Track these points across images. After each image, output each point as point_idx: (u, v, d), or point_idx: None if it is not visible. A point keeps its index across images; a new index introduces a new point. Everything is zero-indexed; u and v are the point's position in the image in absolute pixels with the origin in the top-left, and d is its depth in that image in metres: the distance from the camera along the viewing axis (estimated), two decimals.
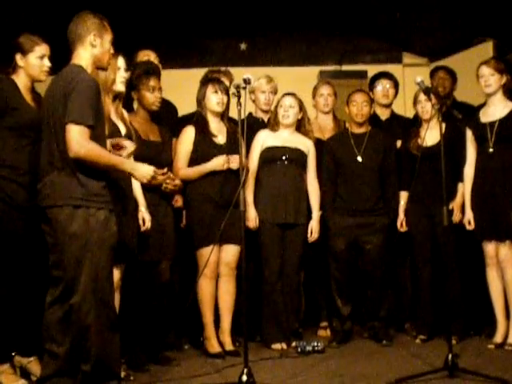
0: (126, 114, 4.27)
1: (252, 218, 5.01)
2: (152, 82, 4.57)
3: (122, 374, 3.94)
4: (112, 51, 3.71)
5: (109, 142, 3.78)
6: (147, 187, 4.22)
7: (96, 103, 3.46)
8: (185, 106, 5.44)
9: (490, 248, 4.81)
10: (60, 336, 3.45)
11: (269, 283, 5.01)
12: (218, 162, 4.77)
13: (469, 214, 4.88)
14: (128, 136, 4.07)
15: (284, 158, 5.06)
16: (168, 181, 4.37)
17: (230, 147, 4.79)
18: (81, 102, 3.38)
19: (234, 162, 4.70)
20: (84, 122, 3.38)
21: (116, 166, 3.57)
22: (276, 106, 5.20)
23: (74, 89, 3.39)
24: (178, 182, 4.63)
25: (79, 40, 3.57)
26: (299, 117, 5.16)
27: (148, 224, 4.25)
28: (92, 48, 3.59)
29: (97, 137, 3.47)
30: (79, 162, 3.40)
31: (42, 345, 3.52)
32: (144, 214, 4.26)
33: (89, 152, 3.38)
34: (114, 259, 3.57)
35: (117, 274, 3.87)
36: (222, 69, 5.48)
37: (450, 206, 4.90)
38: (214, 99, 4.86)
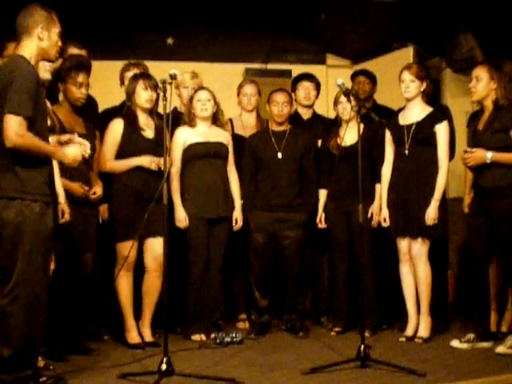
0: (48, 104, 4.20)
1: (181, 219, 5.01)
2: (80, 78, 4.55)
3: (42, 364, 3.95)
4: (60, 44, 3.70)
5: (56, 137, 3.82)
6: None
7: (35, 95, 3.46)
8: (109, 97, 5.42)
9: (403, 245, 4.97)
10: None
11: (194, 278, 5.03)
12: (145, 160, 4.77)
13: (384, 212, 5.03)
14: (51, 128, 4.03)
15: (210, 153, 5.09)
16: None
17: (158, 142, 4.72)
18: (20, 93, 3.38)
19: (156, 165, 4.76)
20: (22, 113, 3.38)
21: (50, 156, 3.60)
22: (190, 102, 5.20)
23: (13, 80, 3.40)
24: (98, 191, 4.68)
25: (26, 32, 3.56)
26: (214, 109, 5.21)
27: (67, 216, 4.22)
28: (39, 41, 3.57)
29: (38, 129, 3.48)
30: (18, 154, 3.41)
31: None
32: (63, 206, 4.21)
33: (24, 142, 3.39)
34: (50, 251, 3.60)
35: None
36: (140, 61, 5.43)
37: (370, 212, 5.08)
38: (144, 96, 4.85)
